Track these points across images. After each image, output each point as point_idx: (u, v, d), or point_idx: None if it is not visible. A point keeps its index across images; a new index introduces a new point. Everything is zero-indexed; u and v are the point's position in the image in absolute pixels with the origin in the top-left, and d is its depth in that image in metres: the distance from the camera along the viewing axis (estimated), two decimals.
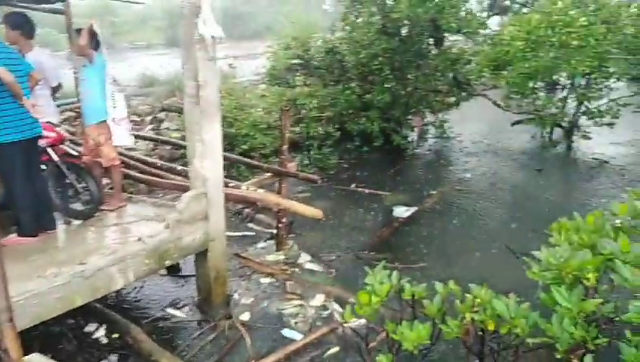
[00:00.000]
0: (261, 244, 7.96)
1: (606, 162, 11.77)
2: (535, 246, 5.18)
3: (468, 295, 4.84)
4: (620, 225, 5.11)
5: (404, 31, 12.31)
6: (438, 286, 5.28)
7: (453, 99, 13.49)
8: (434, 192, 10.17)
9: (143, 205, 6.57)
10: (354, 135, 12.80)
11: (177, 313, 5.95)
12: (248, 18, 49.26)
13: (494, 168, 11.81)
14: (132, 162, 7.55)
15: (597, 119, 11.97)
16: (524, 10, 13.61)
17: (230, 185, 6.65)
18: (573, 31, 9.53)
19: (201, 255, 5.67)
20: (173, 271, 6.80)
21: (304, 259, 7.39)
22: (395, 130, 12.84)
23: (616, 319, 4.72)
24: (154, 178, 7.06)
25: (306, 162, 11.88)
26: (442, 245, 7.92)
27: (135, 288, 6.48)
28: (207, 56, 5.03)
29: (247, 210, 9.08)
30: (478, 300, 4.70)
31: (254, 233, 8.43)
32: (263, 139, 11.10)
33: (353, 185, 10.84)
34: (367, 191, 10.46)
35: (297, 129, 12.15)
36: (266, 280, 6.74)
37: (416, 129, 14.43)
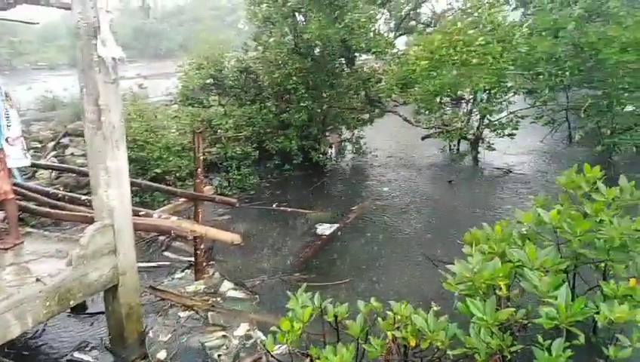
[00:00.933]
0: (179, 274, 7.58)
1: (510, 171, 12.59)
2: (451, 254, 5.39)
3: (389, 312, 4.89)
4: (525, 232, 5.43)
5: (316, 51, 12.50)
6: (361, 304, 5.29)
7: (367, 116, 13.86)
8: (354, 208, 10.30)
9: (44, 240, 5.99)
10: (273, 154, 12.72)
11: (85, 357, 5.45)
12: (161, 36, 47.88)
13: (409, 181, 12.22)
14: (30, 193, 6.92)
15: (499, 131, 12.82)
16: (428, 30, 14.35)
17: (141, 213, 6.26)
18: (472, 50, 10.17)
19: (111, 291, 5.24)
20: (80, 309, 6.26)
21: (226, 286, 7.12)
22: (313, 147, 12.94)
23: (529, 325, 4.96)
24: (55, 210, 6.50)
25: (225, 184, 11.59)
26: (365, 260, 8.00)
27: (37, 331, 5.88)
28: (108, 78, 4.72)
29: (162, 238, 8.63)
30: (399, 316, 4.75)
31: (171, 262, 8.02)
32: (178, 162, 10.69)
33: (275, 205, 10.73)
34: (289, 209, 10.38)
35: (214, 150, 11.84)
36: (185, 314, 6.39)
37: (333, 145, 14.63)
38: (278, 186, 12.05)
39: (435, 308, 4.88)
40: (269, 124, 12.43)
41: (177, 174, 10.70)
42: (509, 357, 4.37)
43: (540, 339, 4.27)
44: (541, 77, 11.74)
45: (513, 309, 4.30)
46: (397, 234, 9.06)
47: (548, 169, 12.89)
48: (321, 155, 13.00)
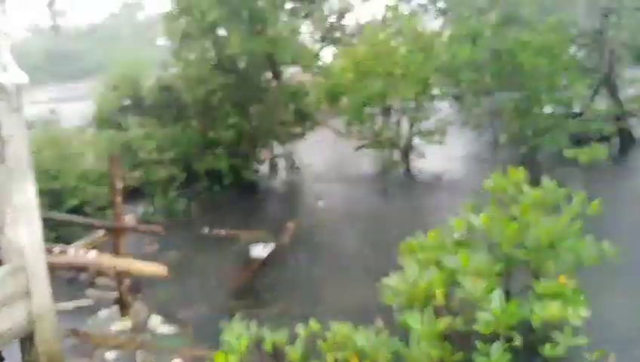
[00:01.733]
0: (103, 312, 7.01)
1: (441, 177, 12.83)
2: (390, 265, 5.28)
3: (329, 334, 4.66)
4: (458, 238, 5.41)
5: (241, 65, 12.23)
6: (300, 328, 5.03)
7: (298, 130, 13.70)
8: (290, 225, 10.02)
9: None
10: (202, 175, 12.20)
11: None
12: (75, 56, 45.77)
13: (344, 193, 12.14)
14: None
15: (428, 138, 13.04)
16: (354, 40, 14.45)
17: (56, 249, 5.71)
18: (396, 60, 10.31)
19: (27, 339, 4.68)
20: None
21: (155, 321, 6.64)
22: (244, 165, 12.56)
23: (467, 332, 4.89)
24: None
25: (151, 210, 10.96)
26: (303, 279, 7.75)
27: None
28: (11, 106, 4.25)
29: (83, 275, 7.95)
30: (339, 337, 4.54)
31: (94, 300, 7.38)
32: (96, 191, 9.98)
33: (206, 229, 10.25)
34: (222, 232, 9.95)
35: (137, 174, 11.19)
36: (112, 355, 5.87)
37: (266, 162, 14.34)
38: (209, 209, 11.56)
39: (378, 323, 4.74)
40: (195, 144, 11.94)
41: (97, 204, 9.99)
42: None
43: (480, 345, 4.21)
44: (464, 83, 12.09)
45: (451, 318, 4.22)
46: (335, 249, 8.89)
47: (476, 172, 13.21)
48: (253, 173, 12.66)
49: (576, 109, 14.14)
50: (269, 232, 9.81)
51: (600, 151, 9.98)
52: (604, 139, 13.84)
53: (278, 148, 14.32)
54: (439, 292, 4.41)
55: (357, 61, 10.30)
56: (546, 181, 5.46)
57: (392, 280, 4.59)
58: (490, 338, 4.44)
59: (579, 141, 13.78)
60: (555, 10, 12.27)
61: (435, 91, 12.84)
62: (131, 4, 53.05)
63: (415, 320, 4.17)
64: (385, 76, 10.40)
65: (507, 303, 4.13)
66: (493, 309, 4.06)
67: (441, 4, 16.34)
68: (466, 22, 11.62)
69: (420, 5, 16.87)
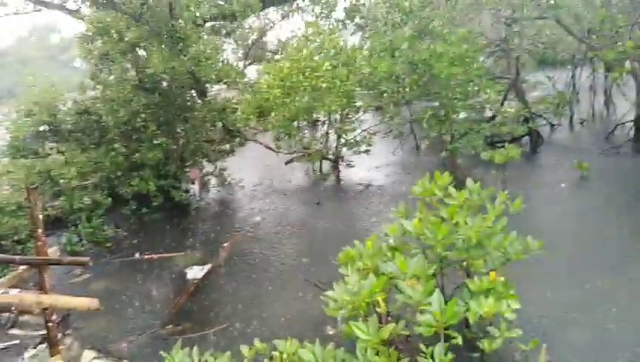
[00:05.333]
0: (30, 352, 6.50)
1: (370, 185, 13.19)
2: (331, 275, 5.36)
3: (275, 352, 4.65)
4: (394, 244, 5.61)
5: (163, 85, 11.93)
6: (244, 349, 4.97)
7: (227, 147, 13.55)
8: (226, 244, 9.86)
9: None
10: (129, 198, 11.69)
11: None
12: None
13: (279, 207, 12.13)
14: None
15: (355, 148, 13.43)
16: (277, 57, 14.60)
17: None
18: (320, 75, 10.54)
19: None
20: None
21: (88, 357, 6.25)
22: (173, 185, 12.19)
23: (409, 336, 5.05)
24: None
25: (76, 239, 10.34)
26: (245, 298, 7.64)
27: None
28: None
29: (6, 314, 7.35)
30: (285, 355, 4.54)
31: (20, 340, 6.84)
32: (14, 223, 9.31)
33: (137, 254, 9.85)
34: (155, 256, 9.61)
35: (58, 203, 10.54)
36: None
37: (196, 181, 14.02)
38: (139, 233, 11.12)
39: (330, 332, 4.78)
40: (119, 167, 11.42)
41: (16, 237, 9.30)
42: None
43: (423, 347, 4.37)
44: (385, 94, 12.57)
45: (394, 324, 4.35)
46: (274, 264, 8.86)
47: (402, 179, 13.75)
48: (183, 193, 12.32)
49: (489, 113, 15.15)
50: (205, 252, 9.61)
51: (513, 151, 10.71)
52: (515, 139, 14.94)
53: (208, 166, 14.07)
54: (381, 300, 4.54)
55: (283, 76, 10.41)
56: (470, 182, 5.81)
57: (334, 292, 4.65)
58: (433, 340, 4.64)
59: (493, 143, 14.80)
60: (463, 22, 13.10)
61: (359, 103, 13.24)
62: (41, 28, 50.10)
63: (360, 330, 4.25)
64: (311, 90, 10.59)
65: (446, 304, 4.32)
66: (433, 311, 4.23)
67: (357, 20, 16.92)
68: (382, 36, 12.12)
69: (338, 21, 17.40)
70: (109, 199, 11.25)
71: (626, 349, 5.39)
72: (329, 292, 4.61)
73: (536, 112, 16.02)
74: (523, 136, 15.22)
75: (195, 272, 8.68)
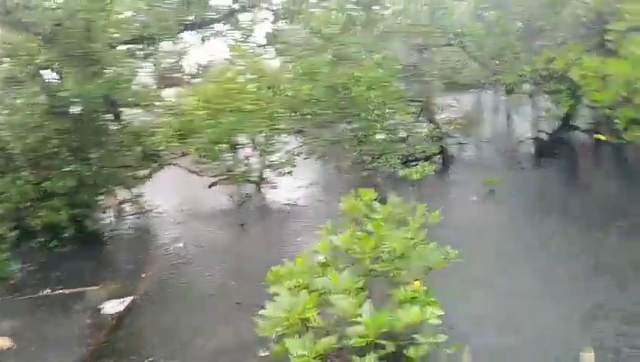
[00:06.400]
0: None
1: (295, 205, 13.30)
2: (261, 296, 5.31)
3: None
4: (324, 260, 5.70)
5: (76, 109, 11.35)
6: None
7: (145, 172, 13.07)
8: (147, 273, 9.43)
9: None
10: (37, 230, 10.84)
11: None
12: None
13: (202, 232, 11.86)
14: None
15: (279, 170, 13.53)
16: (196, 80, 14.42)
17: None
18: (245, 97, 10.60)
19: None
20: None
21: None
22: (86, 214, 11.50)
23: (342, 348, 5.13)
24: None
25: None
26: (171, 328, 7.33)
27: None
28: None
29: None
30: None
31: None
32: None
33: (47, 290, 9.12)
34: (67, 292, 8.95)
35: None
36: None
37: (111, 209, 13.35)
38: (49, 267, 10.30)
39: (263, 354, 4.71)
40: (26, 197, 10.60)
41: None
42: None
43: (356, 359, 4.46)
44: (307, 116, 12.84)
45: (329, 338, 4.41)
46: (200, 290, 8.63)
47: (326, 198, 14.01)
48: (97, 223, 11.66)
49: (404, 134, 15.94)
50: (124, 284, 9.12)
51: (428, 169, 11.34)
52: (429, 158, 15.83)
53: (124, 193, 13.46)
54: (314, 315, 4.59)
55: (207, 98, 10.33)
56: (393, 198, 6.08)
57: (266, 311, 4.64)
58: (364, 350, 4.74)
59: (409, 161, 15.56)
60: (378, 49, 13.79)
61: (282, 125, 13.41)
62: None
63: (296, 346, 4.26)
64: (236, 112, 10.59)
65: (375, 314, 4.46)
66: (364, 322, 4.34)
67: (278, 45, 17.23)
68: (304, 61, 12.44)
69: (259, 45, 17.60)
70: (16, 232, 10.36)
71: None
72: (263, 311, 4.59)
73: (447, 132, 17.11)
74: (435, 154, 16.18)
75: (113, 306, 8.20)
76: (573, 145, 15.11)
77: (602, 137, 10.15)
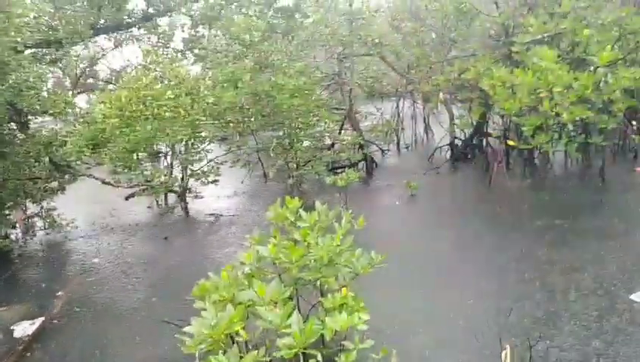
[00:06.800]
0: None
1: (221, 215, 13.00)
2: (184, 313, 5.11)
3: None
4: (250, 271, 5.59)
5: None
6: None
7: (56, 184, 12.22)
8: (60, 292, 8.78)
9: None
10: None
11: None
12: None
13: (121, 246, 11.26)
14: None
15: (203, 179, 13.18)
16: (110, 87, 13.74)
17: None
18: (163, 104, 10.20)
19: None
20: None
21: None
22: None
23: (270, 360, 5.06)
24: None
25: None
26: (89, 350, 6.85)
27: None
28: None
29: None
30: None
31: None
32: None
33: None
34: None
35: None
36: None
37: (18, 225, 12.33)
38: None
39: None
40: None
41: None
42: None
43: None
44: (231, 124, 12.64)
45: (255, 352, 4.32)
46: (121, 308, 8.15)
47: (253, 207, 13.87)
48: (1, 239, 10.73)
49: (329, 141, 16.19)
50: (36, 304, 8.44)
51: (353, 175, 11.57)
52: (353, 164, 16.20)
53: (32, 207, 12.48)
54: (241, 329, 4.48)
55: (121, 105, 9.81)
56: (319, 205, 6.10)
57: (190, 327, 4.46)
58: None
59: (334, 168, 15.83)
60: (300, 57, 13.91)
61: (204, 133, 13.10)
62: None
63: None
64: (153, 120, 10.16)
65: (304, 324, 4.43)
66: (293, 333, 4.30)
67: (197, 51, 16.86)
68: (224, 67, 12.24)
69: (177, 51, 17.12)
70: None
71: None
72: (186, 328, 4.41)
73: (369, 140, 17.59)
74: (359, 161, 16.57)
75: (24, 328, 7.56)
76: (485, 150, 16.07)
77: (512, 143, 10.86)
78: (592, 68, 8.67)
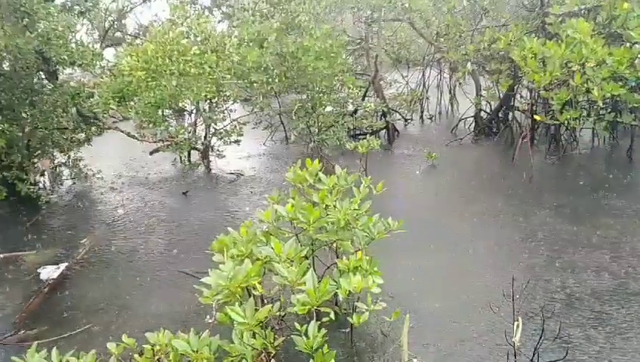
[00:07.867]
0: None
1: (241, 174, 13.18)
2: (203, 265, 5.29)
3: (146, 346, 4.48)
4: (267, 229, 5.73)
5: (5, 65, 10.59)
6: (111, 346, 4.71)
7: (83, 136, 12.46)
8: (85, 240, 9.11)
9: None
10: None
11: None
12: None
13: (144, 199, 11.54)
14: None
15: (225, 138, 13.28)
16: (138, 41, 13.76)
17: None
18: (189, 60, 10.20)
19: None
20: None
21: None
22: (19, 177, 10.89)
23: (284, 316, 5.23)
24: None
25: None
26: (110, 296, 7.16)
27: None
28: None
29: None
30: (158, 347, 4.41)
31: None
32: None
33: None
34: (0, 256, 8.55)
35: None
36: None
37: (46, 173, 12.68)
38: None
39: (209, 321, 4.69)
40: None
41: None
42: (273, 352, 4.53)
43: (298, 325, 4.57)
44: (255, 85, 12.61)
45: (270, 306, 4.47)
46: (142, 258, 8.45)
47: (273, 168, 14.00)
48: (31, 186, 11.07)
49: (351, 108, 16.07)
50: (61, 250, 8.80)
51: (374, 143, 11.51)
52: (375, 132, 16.09)
53: (60, 156, 12.78)
54: (257, 283, 4.63)
55: (147, 59, 9.83)
56: (338, 169, 6.16)
57: (208, 279, 4.62)
58: (306, 318, 4.86)
59: (356, 135, 15.78)
60: (327, 19, 13.67)
61: (229, 92, 13.12)
62: None
63: (237, 314, 4.29)
64: (178, 75, 10.19)
65: (318, 283, 4.56)
66: (307, 290, 4.43)
67: (224, 9, 16.70)
68: (250, 26, 12.10)
69: (205, 7, 16.98)
70: None
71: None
72: (204, 279, 4.57)
73: (392, 108, 17.39)
74: (381, 129, 16.44)
75: (49, 272, 7.91)
76: (511, 124, 15.78)
77: (539, 118, 10.63)
78: (628, 44, 8.37)
